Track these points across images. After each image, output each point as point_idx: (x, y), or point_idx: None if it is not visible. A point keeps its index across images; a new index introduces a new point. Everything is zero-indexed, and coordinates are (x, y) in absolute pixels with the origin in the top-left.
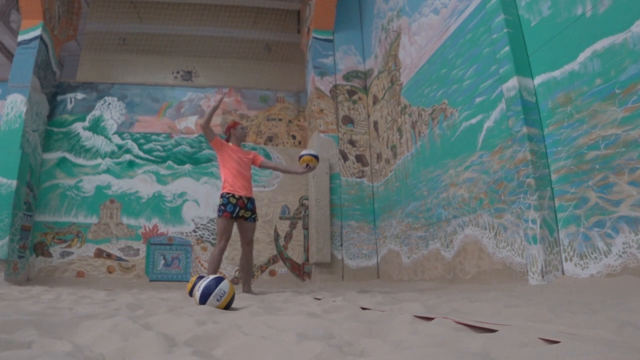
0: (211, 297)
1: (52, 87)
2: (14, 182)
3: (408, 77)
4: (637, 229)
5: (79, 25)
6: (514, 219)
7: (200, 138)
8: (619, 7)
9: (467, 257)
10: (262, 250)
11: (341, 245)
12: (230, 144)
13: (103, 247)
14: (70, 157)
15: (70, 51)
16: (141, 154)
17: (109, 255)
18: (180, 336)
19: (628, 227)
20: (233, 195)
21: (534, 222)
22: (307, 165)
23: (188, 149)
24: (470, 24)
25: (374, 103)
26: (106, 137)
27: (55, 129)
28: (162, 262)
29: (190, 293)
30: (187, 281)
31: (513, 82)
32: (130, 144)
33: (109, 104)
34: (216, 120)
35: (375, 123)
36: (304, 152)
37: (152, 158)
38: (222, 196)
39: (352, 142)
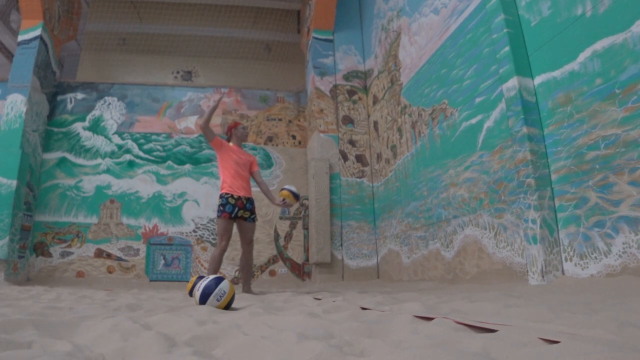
0: (211, 297)
1: (52, 87)
2: (14, 182)
3: (408, 77)
4: (637, 229)
5: (79, 25)
6: (514, 219)
7: (200, 138)
8: (619, 7)
9: (467, 257)
10: (262, 250)
11: (341, 245)
12: (231, 143)
13: (103, 247)
14: (70, 157)
15: (70, 51)
16: (141, 154)
17: (109, 255)
18: (180, 336)
19: (628, 227)
20: (232, 196)
21: (534, 222)
22: (283, 200)
23: (188, 149)
24: (470, 24)
25: (374, 103)
26: (106, 137)
27: (55, 129)
28: (162, 262)
29: (190, 293)
30: (187, 281)
31: (513, 82)
32: (130, 144)
33: (109, 104)
34: (216, 120)
35: (375, 123)
36: (287, 186)
37: (152, 158)
38: (221, 197)
39: (352, 142)
